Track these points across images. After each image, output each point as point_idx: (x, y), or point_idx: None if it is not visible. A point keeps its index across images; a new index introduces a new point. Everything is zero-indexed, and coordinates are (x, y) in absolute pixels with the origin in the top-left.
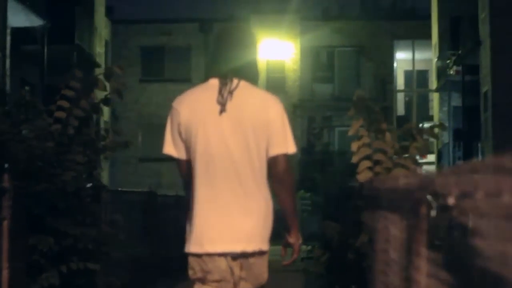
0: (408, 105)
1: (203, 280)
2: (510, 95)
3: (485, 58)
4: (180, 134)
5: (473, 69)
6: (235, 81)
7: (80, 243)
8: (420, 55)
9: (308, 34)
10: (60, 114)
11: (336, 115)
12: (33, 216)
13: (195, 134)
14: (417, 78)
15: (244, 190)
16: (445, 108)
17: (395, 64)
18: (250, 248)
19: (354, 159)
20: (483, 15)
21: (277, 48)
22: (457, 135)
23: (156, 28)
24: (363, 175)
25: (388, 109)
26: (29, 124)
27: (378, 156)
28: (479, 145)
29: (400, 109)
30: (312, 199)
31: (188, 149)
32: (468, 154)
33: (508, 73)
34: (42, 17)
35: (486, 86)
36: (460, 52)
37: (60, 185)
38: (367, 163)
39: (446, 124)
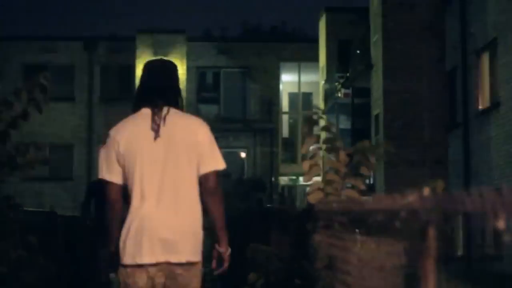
0: (292, 127)
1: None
2: (401, 117)
3: (376, 81)
4: (118, 161)
5: (363, 92)
6: (165, 108)
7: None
8: (305, 77)
9: (194, 54)
10: None
11: (221, 137)
12: None
13: (133, 160)
14: (302, 100)
15: (177, 206)
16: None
17: (280, 86)
18: (175, 259)
19: (305, 179)
20: (375, 38)
21: None
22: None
23: (40, 45)
24: (314, 196)
25: (273, 130)
26: None
27: (330, 176)
28: None
29: (285, 131)
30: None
31: (125, 174)
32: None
33: (399, 97)
34: None
35: (377, 109)
36: (348, 75)
37: None
38: (318, 183)
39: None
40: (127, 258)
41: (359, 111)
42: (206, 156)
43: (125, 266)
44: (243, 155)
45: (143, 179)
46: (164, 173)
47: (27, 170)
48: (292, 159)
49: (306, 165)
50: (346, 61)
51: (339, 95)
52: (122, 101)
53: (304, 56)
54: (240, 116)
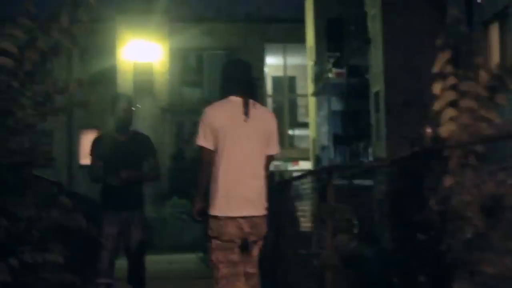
0: (277, 111)
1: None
2: (403, 94)
3: (375, 57)
4: (211, 131)
5: (357, 71)
6: (251, 100)
7: (34, 230)
8: (290, 60)
9: (177, 35)
10: (4, 61)
11: None
12: None
13: (226, 134)
14: (288, 84)
15: (255, 174)
16: (323, 113)
17: (265, 69)
18: (256, 212)
19: (436, 106)
20: (373, 11)
21: (145, 50)
22: (338, 139)
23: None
24: (447, 128)
25: None
26: None
27: (467, 103)
28: (361, 147)
29: None
30: (187, 207)
31: (216, 143)
32: (352, 157)
33: (400, 72)
34: None
35: (377, 86)
36: (339, 54)
37: (5, 153)
38: (451, 112)
39: (323, 129)
40: (220, 211)
41: (353, 91)
42: (272, 142)
43: (218, 218)
44: None
45: (232, 150)
46: (247, 147)
47: (66, 111)
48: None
49: (437, 88)
50: (337, 40)
51: (331, 75)
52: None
53: (289, 37)
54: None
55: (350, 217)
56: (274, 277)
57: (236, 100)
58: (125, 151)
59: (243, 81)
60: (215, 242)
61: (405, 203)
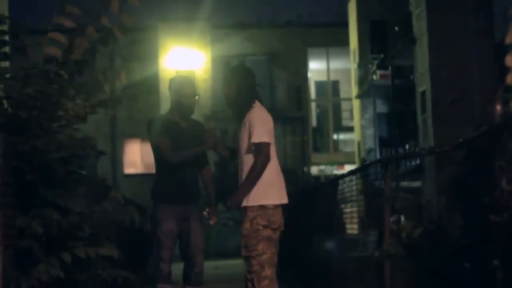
0: (321, 116)
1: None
2: (450, 93)
3: (421, 56)
4: (268, 129)
5: (402, 71)
6: None
7: (86, 224)
8: (333, 64)
9: (219, 42)
10: (53, 51)
11: None
12: (24, 184)
13: (271, 132)
14: (331, 87)
15: None
16: (367, 115)
17: (308, 74)
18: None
19: (509, 79)
20: (418, 10)
21: (187, 57)
22: (384, 141)
23: None
24: None
25: (304, 119)
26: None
27: None
28: (408, 149)
29: (313, 120)
30: (232, 213)
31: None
32: None
33: (447, 70)
34: None
35: (423, 86)
36: (383, 56)
37: (55, 146)
38: None
39: (369, 132)
40: (274, 200)
41: (398, 92)
42: None
43: (267, 207)
44: None
45: (273, 147)
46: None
47: (117, 103)
48: (324, 148)
49: (509, 60)
50: (380, 42)
51: (375, 77)
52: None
53: (332, 40)
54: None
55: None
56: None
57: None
58: (188, 139)
59: (256, 86)
60: (262, 233)
61: (473, 186)
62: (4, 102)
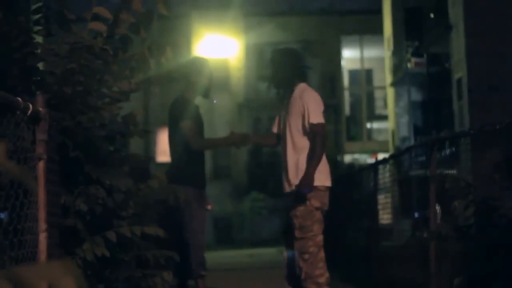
0: (354, 104)
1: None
2: (486, 80)
3: (457, 43)
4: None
5: (437, 59)
6: None
7: (130, 202)
8: (367, 52)
9: (252, 30)
10: (97, 26)
11: None
12: (68, 161)
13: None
14: (365, 75)
15: None
16: (402, 103)
17: (342, 62)
18: None
19: None
20: None
21: (220, 45)
22: (419, 129)
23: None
24: None
25: (338, 107)
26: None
27: None
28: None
29: (346, 108)
30: (266, 201)
31: None
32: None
33: (483, 58)
34: None
35: (459, 73)
36: (417, 44)
37: (100, 122)
38: None
39: (403, 120)
40: (326, 181)
41: (434, 80)
42: None
43: (320, 189)
44: None
45: None
46: None
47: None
48: (357, 137)
49: None
50: (415, 29)
51: (410, 65)
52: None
53: (366, 28)
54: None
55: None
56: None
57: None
58: (202, 121)
59: (304, 68)
60: (316, 214)
61: None
62: (48, 78)
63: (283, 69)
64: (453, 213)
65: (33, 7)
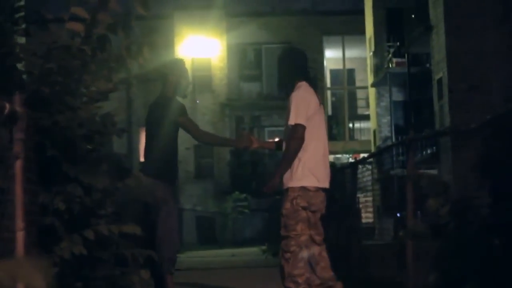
0: (336, 104)
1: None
2: (466, 80)
3: (437, 43)
4: (307, 112)
5: (418, 59)
6: None
7: (109, 201)
8: (348, 53)
9: (235, 30)
10: (75, 26)
11: (265, 115)
12: (46, 160)
13: (314, 115)
14: (347, 76)
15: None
16: (383, 103)
17: (324, 62)
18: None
19: None
20: None
21: (203, 46)
22: (400, 129)
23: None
24: None
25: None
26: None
27: None
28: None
29: (328, 108)
30: (248, 201)
31: (308, 122)
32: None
33: (464, 57)
34: None
35: (440, 73)
36: (398, 44)
37: (77, 122)
38: None
39: (385, 120)
40: (316, 182)
41: (415, 80)
42: None
43: (308, 189)
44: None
45: (317, 131)
46: (323, 130)
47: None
48: (339, 136)
49: None
50: (396, 30)
51: (391, 65)
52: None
53: (348, 29)
54: (284, 93)
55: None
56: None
57: (307, 84)
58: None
59: (306, 67)
60: (302, 214)
61: (502, 164)
62: (25, 77)
63: (284, 68)
64: (428, 211)
65: (15, 5)
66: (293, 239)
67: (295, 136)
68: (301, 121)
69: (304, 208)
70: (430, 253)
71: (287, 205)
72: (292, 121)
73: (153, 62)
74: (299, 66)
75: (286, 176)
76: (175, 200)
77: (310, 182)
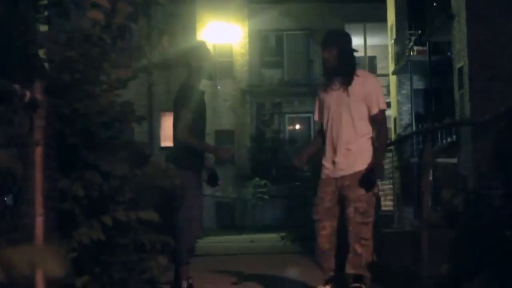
0: None
1: None
2: (487, 69)
3: (459, 32)
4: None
5: (439, 48)
6: None
7: (128, 188)
8: (370, 40)
9: (256, 17)
10: (96, 15)
11: (285, 101)
12: (65, 147)
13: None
14: (368, 64)
15: None
16: (404, 91)
17: None
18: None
19: None
20: None
21: (224, 32)
22: (420, 117)
23: None
24: None
25: None
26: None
27: None
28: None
29: None
30: (268, 187)
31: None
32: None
33: (485, 46)
34: None
35: (461, 62)
36: (420, 32)
37: (97, 109)
38: None
39: (405, 108)
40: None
41: (436, 68)
42: None
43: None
44: (297, 126)
45: None
46: None
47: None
48: None
49: None
50: (418, 18)
51: (412, 53)
52: None
53: (369, 16)
54: (305, 80)
55: (455, 171)
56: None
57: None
58: (205, 108)
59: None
60: (373, 199)
61: None
62: (46, 65)
63: (345, 54)
64: (441, 201)
65: None
66: (368, 225)
67: (386, 120)
68: (386, 106)
69: (374, 194)
70: (445, 243)
71: (362, 190)
72: (383, 106)
73: (174, 48)
74: (353, 50)
75: (355, 159)
76: (200, 188)
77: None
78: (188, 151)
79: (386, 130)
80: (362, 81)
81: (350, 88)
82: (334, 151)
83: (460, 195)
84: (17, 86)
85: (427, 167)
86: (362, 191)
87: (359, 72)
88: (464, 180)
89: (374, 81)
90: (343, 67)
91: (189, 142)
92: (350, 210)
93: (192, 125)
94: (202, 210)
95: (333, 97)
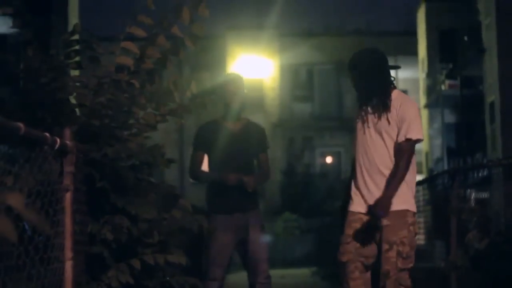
0: None
1: None
2: None
3: (490, 67)
4: None
5: (471, 81)
6: None
7: (156, 231)
8: (401, 73)
9: (287, 51)
10: (125, 60)
11: (316, 136)
12: (95, 191)
13: None
14: None
15: None
16: (436, 125)
17: None
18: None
19: None
20: (488, 20)
21: (255, 65)
22: (452, 151)
23: None
24: None
25: None
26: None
27: None
28: (476, 160)
29: None
30: (299, 222)
31: None
32: None
33: None
34: None
35: (492, 96)
36: (452, 66)
37: (126, 153)
38: None
39: (437, 142)
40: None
41: (467, 102)
42: None
43: (415, 214)
44: (328, 160)
45: None
46: None
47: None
48: None
49: None
50: (449, 51)
51: (443, 87)
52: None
53: (400, 50)
54: (336, 113)
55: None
56: None
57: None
58: (235, 142)
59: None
60: (415, 242)
61: None
62: (77, 110)
63: (377, 74)
64: (467, 244)
65: (70, 38)
66: (408, 271)
67: (412, 153)
68: (422, 136)
69: (414, 236)
70: (472, 285)
71: (405, 232)
72: (415, 136)
73: (207, 82)
74: (388, 70)
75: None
76: (228, 230)
77: (415, 207)
78: (212, 194)
79: (406, 163)
80: (398, 103)
81: (386, 112)
82: (365, 184)
83: (486, 238)
84: (47, 135)
85: (455, 210)
86: (401, 232)
87: (395, 92)
88: (490, 222)
89: (414, 107)
90: (373, 88)
91: (198, 180)
92: (390, 254)
93: (211, 162)
94: (228, 252)
95: (365, 123)
